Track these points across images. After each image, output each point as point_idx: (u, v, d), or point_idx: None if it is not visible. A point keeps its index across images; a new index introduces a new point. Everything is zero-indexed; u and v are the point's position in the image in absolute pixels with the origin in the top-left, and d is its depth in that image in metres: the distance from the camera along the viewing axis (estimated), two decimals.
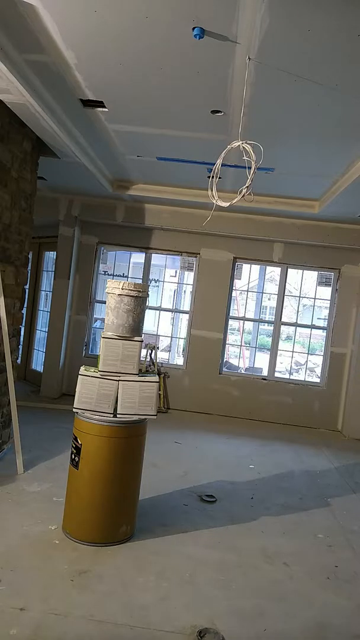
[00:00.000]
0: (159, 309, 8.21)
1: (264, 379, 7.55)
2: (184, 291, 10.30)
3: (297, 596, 2.92)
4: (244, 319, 10.26)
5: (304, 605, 2.84)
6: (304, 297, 8.42)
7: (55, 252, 7.43)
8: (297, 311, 8.00)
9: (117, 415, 3.23)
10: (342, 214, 6.40)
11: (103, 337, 3.34)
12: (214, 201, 3.23)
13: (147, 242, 7.55)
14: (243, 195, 3.03)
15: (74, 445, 3.28)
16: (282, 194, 6.23)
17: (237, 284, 8.15)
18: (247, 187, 3.01)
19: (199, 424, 6.76)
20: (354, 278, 7.35)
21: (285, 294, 7.71)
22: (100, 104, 4.03)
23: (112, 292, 3.35)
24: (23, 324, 4.90)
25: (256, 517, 3.94)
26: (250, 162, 2.98)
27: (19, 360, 7.44)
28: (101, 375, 3.28)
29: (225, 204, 3.18)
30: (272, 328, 7.77)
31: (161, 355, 7.92)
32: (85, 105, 4.07)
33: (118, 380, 3.28)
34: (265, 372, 7.80)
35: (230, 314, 7.77)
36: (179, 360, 8.25)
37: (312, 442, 6.51)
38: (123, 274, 8.16)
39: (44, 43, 3.17)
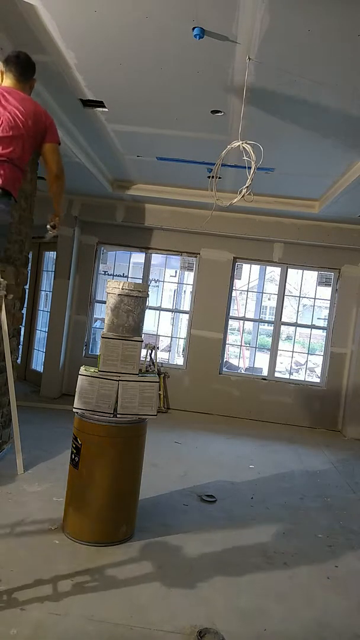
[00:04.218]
0: (159, 309, 8.21)
1: (264, 379, 7.55)
2: (184, 291, 10.30)
3: (297, 596, 2.92)
4: (244, 319, 10.27)
5: (304, 605, 2.84)
6: (304, 297, 8.41)
7: (55, 252, 7.43)
8: (297, 311, 8.00)
9: (117, 415, 3.23)
10: (342, 214, 6.40)
11: (103, 337, 3.34)
12: (214, 201, 3.24)
13: (147, 242, 7.55)
14: (243, 195, 3.03)
15: (74, 445, 3.28)
16: (282, 194, 6.23)
17: (237, 284, 8.15)
18: (247, 187, 3.01)
19: (199, 424, 6.75)
20: (354, 278, 7.35)
21: (285, 294, 7.71)
22: (100, 104, 4.03)
23: (112, 292, 3.35)
24: (23, 324, 4.90)
25: (256, 517, 3.93)
26: (250, 162, 2.99)
27: (19, 360, 7.43)
28: (101, 375, 3.28)
29: (225, 204, 3.18)
30: (272, 328, 7.77)
31: (161, 355, 7.92)
32: (85, 105, 4.07)
33: (118, 380, 3.27)
34: (265, 372, 7.79)
35: (230, 314, 7.77)
36: (179, 360, 8.25)
37: (312, 442, 6.51)
38: (123, 274, 8.16)
39: (44, 43, 3.18)
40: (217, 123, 4.10)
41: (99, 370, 3.31)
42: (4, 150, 2.62)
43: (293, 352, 8.39)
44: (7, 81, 2.82)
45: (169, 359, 8.79)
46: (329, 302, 7.64)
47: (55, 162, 2.89)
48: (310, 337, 8.43)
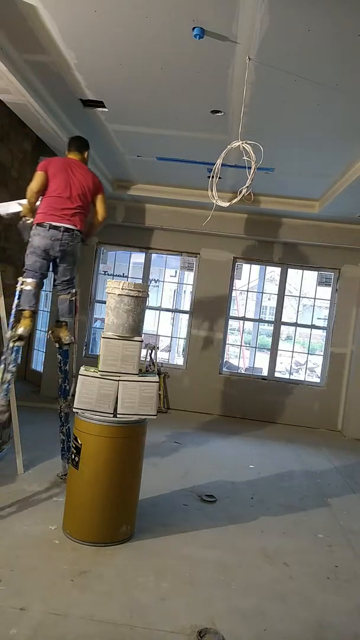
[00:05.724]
0: (159, 309, 8.20)
1: (264, 379, 7.55)
2: (184, 291, 10.30)
3: (297, 596, 2.92)
4: (244, 319, 10.26)
5: (304, 605, 2.84)
6: (304, 297, 8.41)
7: None
8: (297, 311, 8.00)
9: (117, 415, 3.23)
10: (342, 214, 6.40)
11: (103, 337, 3.34)
12: (214, 201, 3.23)
13: (147, 242, 7.55)
14: (243, 195, 3.03)
15: (74, 445, 3.28)
16: (282, 194, 6.23)
17: (237, 284, 8.15)
18: (247, 187, 3.01)
19: (199, 424, 6.75)
20: (354, 278, 7.35)
21: (285, 294, 7.70)
22: (100, 104, 4.03)
23: (112, 292, 3.35)
24: None
25: (256, 517, 3.93)
26: (250, 162, 2.98)
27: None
28: (101, 375, 3.28)
29: (225, 204, 3.18)
30: (272, 328, 7.77)
31: (161, 355, 7.92)
32: (85, 105, 4.07)
33: (118, 381, 3.27)
34: (265, 372, 7.79)
35: (230, 314, 7.77)
36: (179, 360, 8.25)
37: (312, 442, 6.51)
38: (123, 274, 8.15)
39: (44, 43, 3.18)
40: (217, 123, 4.10)
41: (99, 370, 3.31)
42: (78, 204, 3.80)
43: (293, 352, 8.39)
44: (71, 155, 3.98)
45: (169, 359, 8.79)
46: (329, 302, 7.64)
47: (104, 208, 4.01)
48: (310, 337, 8.42)
